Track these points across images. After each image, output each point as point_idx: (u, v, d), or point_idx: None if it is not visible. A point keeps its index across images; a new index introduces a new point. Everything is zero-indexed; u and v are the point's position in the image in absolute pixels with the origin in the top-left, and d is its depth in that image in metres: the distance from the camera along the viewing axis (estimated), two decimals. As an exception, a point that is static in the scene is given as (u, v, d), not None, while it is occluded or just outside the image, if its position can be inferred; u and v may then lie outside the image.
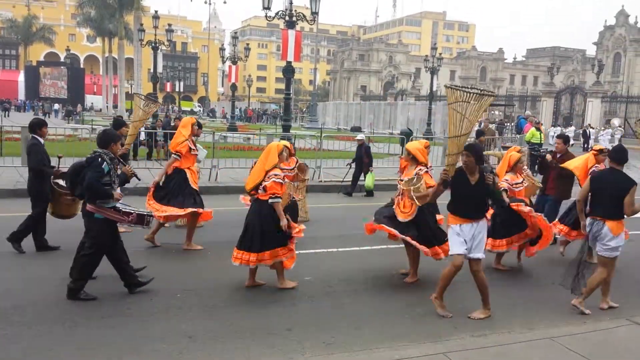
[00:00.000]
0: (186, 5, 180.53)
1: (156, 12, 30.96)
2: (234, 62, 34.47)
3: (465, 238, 5.52)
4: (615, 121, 37.97)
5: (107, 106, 57.43)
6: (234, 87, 36.11)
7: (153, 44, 28.56)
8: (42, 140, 7.42)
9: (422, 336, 5.10)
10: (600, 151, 7.79)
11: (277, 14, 18.12)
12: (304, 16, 18.33)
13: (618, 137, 36.22)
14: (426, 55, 38.62)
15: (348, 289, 6.42)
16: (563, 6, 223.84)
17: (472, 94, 5.11)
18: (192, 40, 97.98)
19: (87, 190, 5.61)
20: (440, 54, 37.56)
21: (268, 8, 17.96)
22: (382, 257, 7.91)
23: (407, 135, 19.40)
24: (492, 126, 20.27)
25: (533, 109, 58.69)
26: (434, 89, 37.93)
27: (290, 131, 18.39)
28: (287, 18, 17.73)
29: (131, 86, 55.71)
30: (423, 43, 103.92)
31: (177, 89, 65.30)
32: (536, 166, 12.21)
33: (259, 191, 6.11)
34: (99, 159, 5.65)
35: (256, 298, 5.99)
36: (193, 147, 7.95)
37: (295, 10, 17.98)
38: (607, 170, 6.30)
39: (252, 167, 6.60)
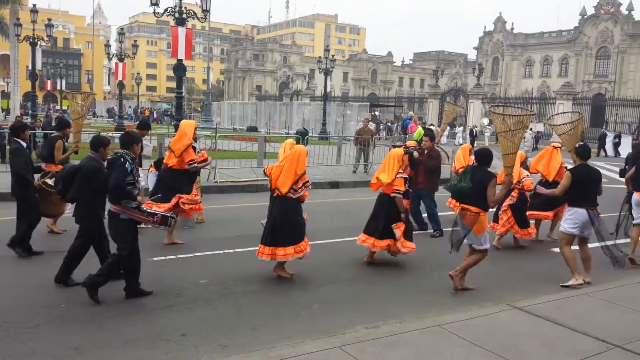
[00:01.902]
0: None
1: (34, 5, 28.87)
2: (121, 60, 32.96)
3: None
4: (485, 120, 40.86)
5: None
6: (121, 85, 34.58)
7: (31, 40, 26.61)
8: (24, 144, 7.47)
9: (319, 332, 5.14)
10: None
11: (166, 10, 17.52)
12: (195, 14, 17.89)
13: (487, 134, 38.99)
14: (319, 57, 39.22)
15: (245, 290, 6.36)
16: (446, 11, 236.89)
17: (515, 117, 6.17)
18: (75, 36, 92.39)
19: (113, 190, 5.60)
20: (333, 55, 38.29)
21: (156, 4, 17.32)
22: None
23: (302, 135, 19.62)
24: (372, 125, 21.38)
25: (420, 109, 61.79)
26: (328, 89, 38.60)
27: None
28: (176, 15, 17.20)
29: (7, 84, 51.51)
30: (316, 44, 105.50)
31: (58, 87, 61.20)
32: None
33: (289, 193, 6.53)
34: (122, 159, 5.66)
35: (148, 305, 5.74)
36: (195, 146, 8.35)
37: (185, 7, 17.48)
38: (585, 166, 7.15)
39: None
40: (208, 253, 7.81)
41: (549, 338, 5.03)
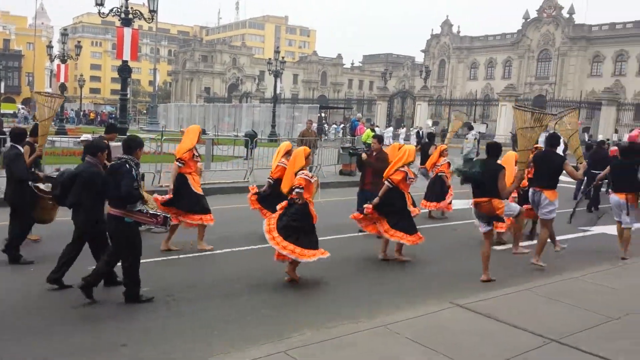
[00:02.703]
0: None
1: (-30, 4, 27.63)
2: (64, 61, 31.91)
3: None
4: (429, 121, 41.93)
5: None
6: (63, 88, 33.49)
7: (-34, 40, 25.46)
8: (22, 150, 7.47)
9: (267, 336, 5.11)
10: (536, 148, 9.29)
11: (111, 10, 17.15)
12: (141, 14, 17.59)
13: None
14: (269, 59, 39.07)
15: (190, 297, 6.24)
16: (395, 14, 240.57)
17: (540, 116, 6.80)
18: (16, 37, 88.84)
19: (126, 198, 5.59)
20: (283, 57, 38.21)
21: (101, 4, 16.97)
22: (225, 262, 7.83)
23: (251, 137, 19.43)
24: (315, 125, 21.73)
25: (369, 111, 62.45)
26: (278, 91, 38.50)
27: (127, 134, 17.46)
28: (122, 15, 16.84)
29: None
30: (266, 46, 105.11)
31: (-3, 90, 58.76)
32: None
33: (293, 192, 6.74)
34: (127, 166, 5.65)
35: (90, 315, 5.58)
36: (197, 154, 8.22)
37: (132, 8, 17.17)
38: (545, 151, 8.12)
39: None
40: (152, 260, 7.62)
41: (489, 334, 5.16)
